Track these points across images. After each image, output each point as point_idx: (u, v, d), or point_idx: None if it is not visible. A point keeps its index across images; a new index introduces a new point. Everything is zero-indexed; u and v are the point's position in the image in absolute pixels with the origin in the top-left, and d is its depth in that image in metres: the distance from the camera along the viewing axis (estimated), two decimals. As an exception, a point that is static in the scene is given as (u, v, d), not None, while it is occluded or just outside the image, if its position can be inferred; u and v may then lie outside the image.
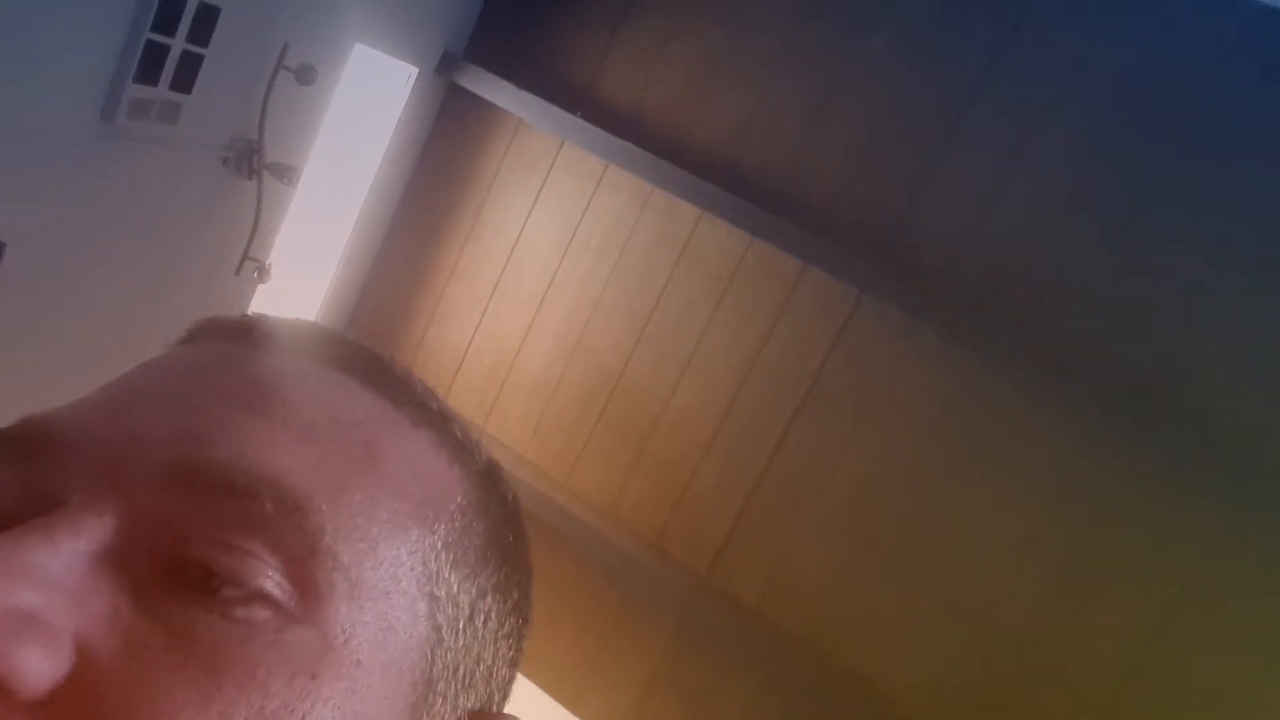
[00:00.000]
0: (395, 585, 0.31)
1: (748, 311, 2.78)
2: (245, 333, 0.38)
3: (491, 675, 0.35)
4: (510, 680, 0.37)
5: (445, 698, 0.33)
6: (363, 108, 2.89)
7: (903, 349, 2.62)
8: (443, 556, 0.34)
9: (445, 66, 3.02)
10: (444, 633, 0.33)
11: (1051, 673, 2.44)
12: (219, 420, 0.32)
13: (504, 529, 0.38)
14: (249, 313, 0.41)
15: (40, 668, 0.25)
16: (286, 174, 2.45)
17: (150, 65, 2.00)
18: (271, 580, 0.29)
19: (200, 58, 2.12)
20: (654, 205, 2.88)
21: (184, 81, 2.11)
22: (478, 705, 0.35)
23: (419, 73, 2.96)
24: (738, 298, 2.80)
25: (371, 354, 0.38)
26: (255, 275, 2.52)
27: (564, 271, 2.99)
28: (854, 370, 2.67)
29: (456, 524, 0.35)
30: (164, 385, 0.34)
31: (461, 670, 0.34)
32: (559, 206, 3.00)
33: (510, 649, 0.37)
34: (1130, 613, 2.37)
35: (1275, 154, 2.33)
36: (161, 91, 2.06)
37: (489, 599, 0.35)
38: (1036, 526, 2.47)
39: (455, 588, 0.34)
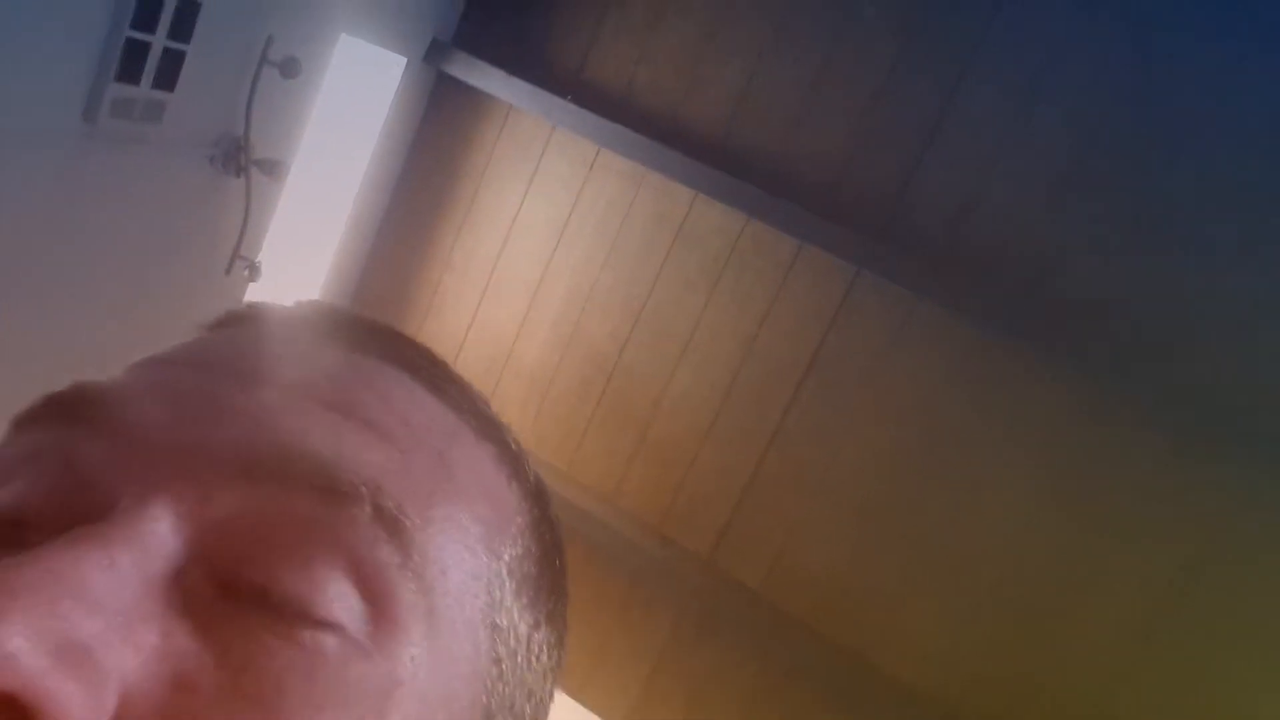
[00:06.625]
0: (462, 613, 0.29)
1: (745, 292, 2.76)
2: (300, 321, 0.34)
3: (540, 712, 0.33)
4: (547, 717, 0.34)
5: None
6: (351, 100, 2.86)
7: (902, 324, 2.59)
8: (506, 584, 0.31)
9: (433, 55, 2.99)
10: (503, 665, 0.30)
11: (1059, 645, 2.43)
12: (308, 414, 0.28)
13: (553, 554, 0.35)
14: (301, 299, 0.37)
15: (82, 713, 0.22)
16: (274, 169, 2.43)
17: (131, 63, 1.97)
18: (348, 603, 0.26)
19: (182, 54, 2.09)
20: (648, 188, 2.85)
21: (167, 79, 2.09)
22: None
23: (407, 62, 2.93)
24: (735, 278, 2.77)
25: (431, 354, 0.35)
26: (246, 274, 2.50)
27: (559, 258, 2.97)
28: (853, 347, 2.64)
29: (518, 548, 0.32)
30: (230, 371, 0.30)
31: (515, 706, 0.31)
32: (552, 192, 2.98)
33: (553, 684, 0.34)
34: (1136, 584, 2.36)
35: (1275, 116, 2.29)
36: (144, 90, 2.04)
37: (543, 630, 0.33)
38: (1041, 498, 2.45)
39: (516, 617, 0.31)
